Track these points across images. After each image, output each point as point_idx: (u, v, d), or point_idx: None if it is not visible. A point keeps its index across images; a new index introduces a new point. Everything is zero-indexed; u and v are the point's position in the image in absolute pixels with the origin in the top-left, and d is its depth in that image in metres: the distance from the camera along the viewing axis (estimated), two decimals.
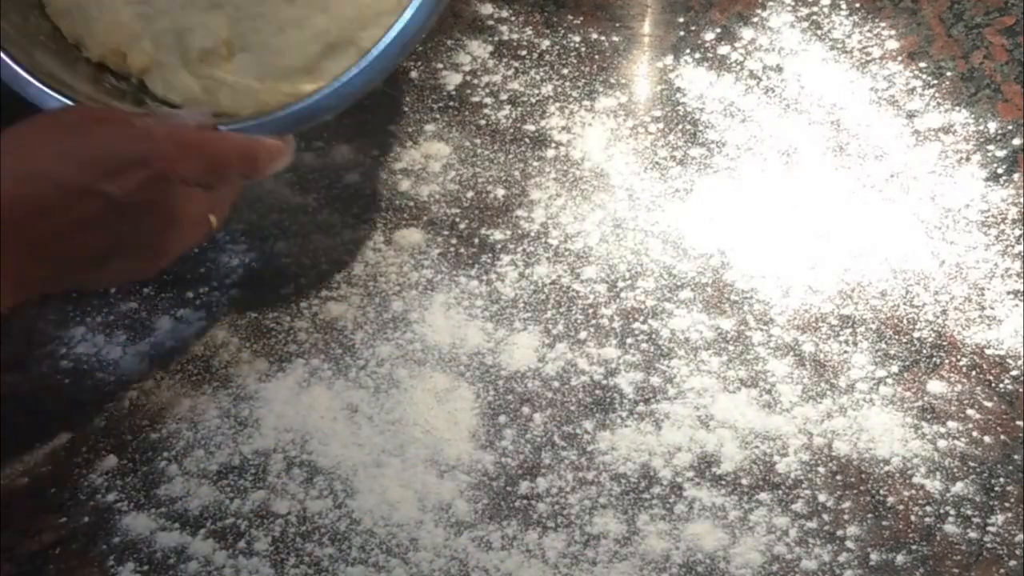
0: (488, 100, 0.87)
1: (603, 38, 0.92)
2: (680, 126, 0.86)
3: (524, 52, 0.91)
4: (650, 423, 0.70)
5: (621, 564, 0.64)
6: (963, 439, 0.68)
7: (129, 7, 0.74)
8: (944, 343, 0.73)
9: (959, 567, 0.63)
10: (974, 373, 0.71)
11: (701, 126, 0.86)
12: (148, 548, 0.66)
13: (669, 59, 0.90)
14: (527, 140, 0.85)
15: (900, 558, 0.64)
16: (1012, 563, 0.63)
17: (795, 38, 0.91)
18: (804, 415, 0.70)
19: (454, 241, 0.80)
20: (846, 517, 0.66)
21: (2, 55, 0.71)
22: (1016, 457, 0.67)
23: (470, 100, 0.87)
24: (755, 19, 0.92)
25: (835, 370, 0.72)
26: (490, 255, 0.79)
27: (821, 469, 0.68)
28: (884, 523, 0.65)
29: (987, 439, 0.68)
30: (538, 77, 0.90)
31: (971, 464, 0.67)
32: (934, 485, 0.67)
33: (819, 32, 0.91)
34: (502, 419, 0.71)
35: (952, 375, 0.71)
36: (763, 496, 0.67)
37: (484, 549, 0.65)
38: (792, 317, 0.75)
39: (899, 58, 0.88)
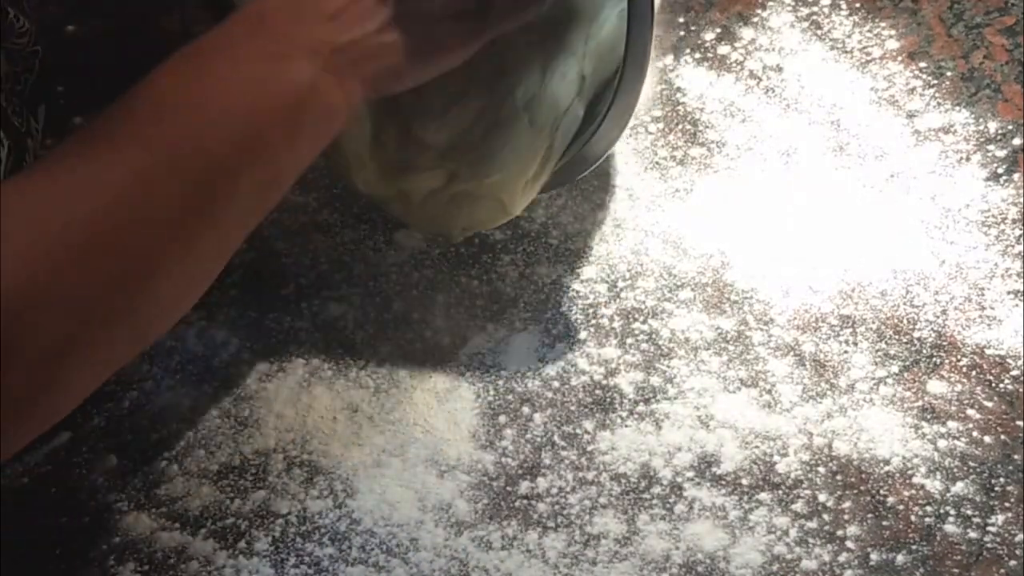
0: None
1: None
2: (680, 126, 0.86)
3: None
4: (650, 423, 0.70)
5: (621, 564, 0.64)
6: (963, 439, 0.68)
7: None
8: (944, 343, 0.73)
9: (959, 567, 0.63)
10: (974, 373, 0.71)
11: (701, 126, 0.86)
12: (148, 548, 0.66)
13: (669, 59, 0.90)
14: None
15: (900, 558, 0.64)
16: (1012, 563, 0.63)
17: (795, 38, 0.91)
18: (804, 415, 0.70)
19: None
20: (846, 517, 0.66)
21: None
22: (1016, 457, 0.67)
23: None
24: (755, 19, 0.92)
25: (835, 370, 0.72)
26: (490, 255, 0.79)
27: (821, 469, 0.68)
28: (884, 523, 0.65)
29: (987, 439, 0.68)
30: None
31: (971, 464, 0.67)
32: (934, 485, 0.67)
33: (819, 32, 0.91)
34: (502, 419, 0.71)
35: (952, 375, 0.71)
36: (763, 496, 0.67)
37: (484, 549, 0.65)
38: (792, 317, 0.75)
39: (899, 58, 0.88)
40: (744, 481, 0.67)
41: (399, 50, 0.61)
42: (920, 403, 0.70)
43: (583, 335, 0.75)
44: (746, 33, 0.91)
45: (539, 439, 0.70)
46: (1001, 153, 0.82)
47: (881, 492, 0.67)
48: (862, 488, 0.67)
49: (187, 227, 0.53)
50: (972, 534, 0.65)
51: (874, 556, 0.64)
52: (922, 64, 0.87)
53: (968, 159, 0.82)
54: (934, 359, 0.72)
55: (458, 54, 0.63)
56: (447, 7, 0.61)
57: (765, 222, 0.80)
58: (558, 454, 0.69)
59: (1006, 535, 0.64)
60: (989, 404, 0.70)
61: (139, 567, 0.65)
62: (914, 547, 0.64)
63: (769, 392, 0.71)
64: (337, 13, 0.59)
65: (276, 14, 0.58)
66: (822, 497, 0.67)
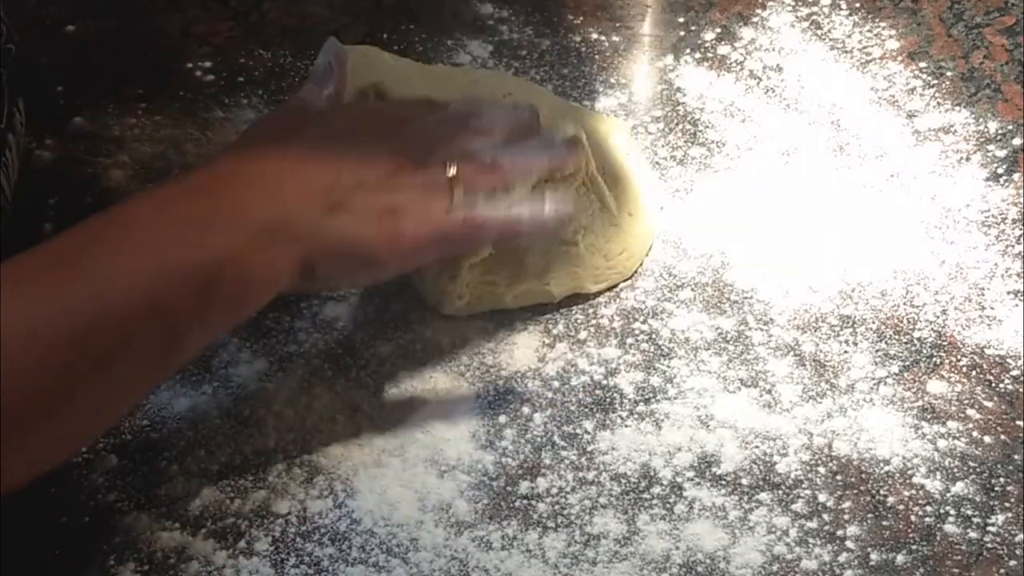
0: None
1: (603, 38, 0.92)
2: (680, 126, 0.86)
3: (524, 52, 0.91)
4: (650, 423, 0.70)
5: (621, 564, 0.64)
6: (963, 439, 0.68)
7: None
8: (944, 343, 0.73)
9: (959, 567, 0.63)
10: (974, 373, 0.71)
11: (701, 126, 0.86)
12: (148, 548, 0.66)
13: (669, 59, 0.90)
14: None
15: (900, 558, 0.64)
16: (1012, 563, 0.63)
17: (795, 38, 0.91)
18: (804, 415, 0.70)
19: None
20: (846, 517, 0.66)
21: None
22: (1016, 457, 0.67)
23: None
24: (755, 19, 0.92)
25: (835, 370, 0.72)
26: None
27: (821, 469, 0.68)
28: (884, 523, 0.65)
29: (987, 439, 0.68)
30: (538, 77, 0.90)
31: (971, 464, 0.67)
32: (934, 485, 0.67)
33: (819, 32, 0.91)
34: (502, 419, 0.71)
35: (952, 375, 0.71)
36: (763, 496, 0.67)
37: (484, 549, 0.65)
38: (792, 317, 0.75)
39: (899, 58, 0.88)
40: (744, 481, 0.67)
41: (340, 237, 0.59)
42: (920, 403, 0.70)
43: (583, 335, 0.75)
44: (746, 33, 0.91)
45: (539, 439, 0.70)
46: (1001, 153, 0.82)
47: (881, 492, 0.67)
48: (862, 488, 0.67)
49: (70, 382, 0.53)
50: (972, 534, 0.64)
51: (874, 556, 0.64)
52: (922, 64, 0.87)
53: (968, 159, 0.82)
54: (934, 359, 0.72)
55: (397, 254, 0.62)
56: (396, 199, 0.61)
57: (765, 222, 0.80)
58: (558, 454, 0.69)
59: (1006, 535, 0.64)
60: (989, 404, 0.70)
61: (139, 567, 0.65)
62: (914, 547, 0.64)
63: (769, 392, 0.71)
64: (281, 189, 0.58)
65: (215, 182, 0.58)
66: (822, 497, 0.67)
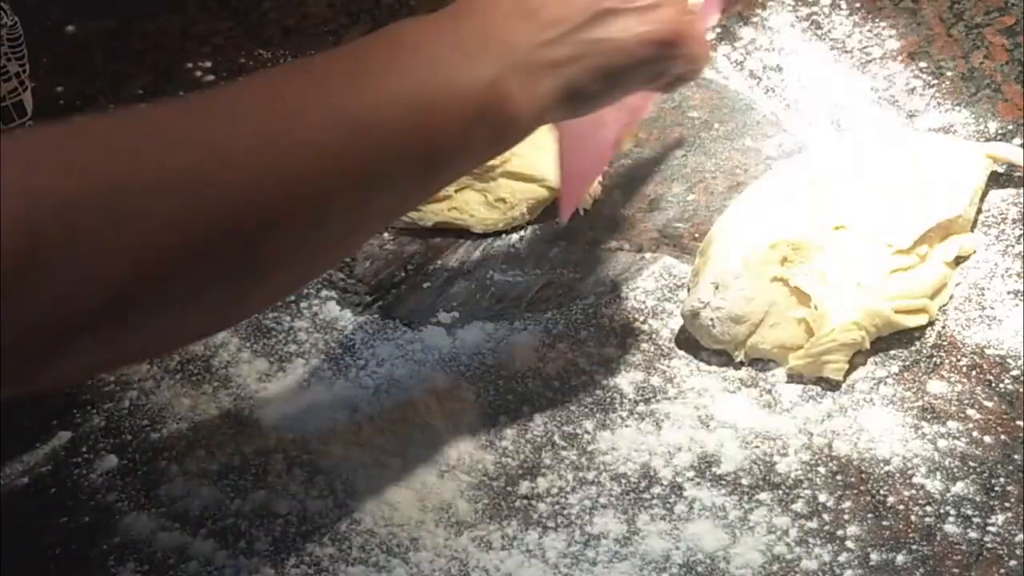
0: None
1: None
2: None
3: None
4: (650, 423, 0.70)
5: (621, 564, 0.64)
6: (963, 439, 0.68)
7: None
8: (944, 343, 0.73)
9: (959, 567, 0.63)
10: (974, 373, 0.71)
11: None
12: (148, 548, 0.66)
13: None
14: None
15: (900, 558, 0.64)
16: (1012, 563, 0.63)
17: (795, 38, 0.91)
18: (804, 415, 0.70)
19: None
20: (846, 517, 0.66)
21: None
22: (1016, 457, 0.67)
23: None
24: (755, 19, 0.92)
25: None
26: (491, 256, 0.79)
27: (821, 469, 0.68)
28: (884, 523, 0.65)
29: (987, 439, 0.68)
30: None
31: (971, 464, 0.67)
32: (934, 485, 0.67)
33: (819, 32, 0.91)
34: (502, 419, 0.71)
35: (952, 375, 0.71)
36: (763, 496, 0.67)
37: (484, 549, 0.65)
38: None
39: (899, 58, 0.88)
40: (744, 481, 0.67)
41: (602, 52, 0.58)
42: (920, 403, 0.70)
43: (583, 335, 0.75)
44: (746, 33, 0.91)
45: (539, 439, 0.70)
46: None
47: (881, 492, 0.66)
48: (862, 488, 0.67)
49: (326, 192, 0.51)
50: (972, 534, 0.64)
51: (874, 556, 0.64)
52: (922, 64, 0.87)
53: None
54: (934, 359, 0.72)
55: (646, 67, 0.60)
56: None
57: None
58: (558, 454, 0.69)
59: (1006, 535, 0.64)
60: (989, 404, 0.70)
61: (139, 567, 0.65)
62: (914, 547, 0.64)
63: (769, 392, 0.71)
64: (540, 8, 0.57)
65: (483, 10, 0.57)
66: (822, 497, 0.66)
